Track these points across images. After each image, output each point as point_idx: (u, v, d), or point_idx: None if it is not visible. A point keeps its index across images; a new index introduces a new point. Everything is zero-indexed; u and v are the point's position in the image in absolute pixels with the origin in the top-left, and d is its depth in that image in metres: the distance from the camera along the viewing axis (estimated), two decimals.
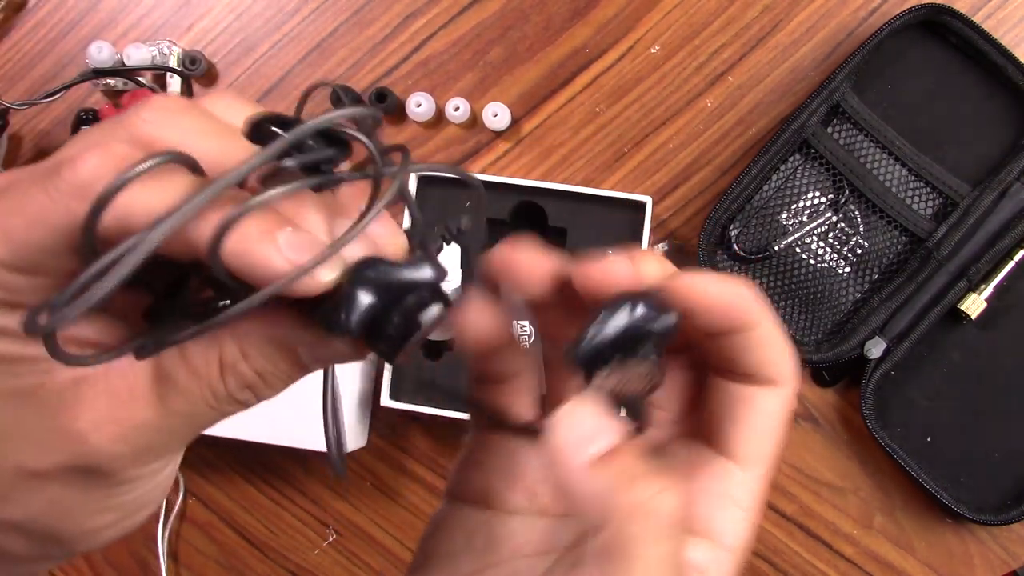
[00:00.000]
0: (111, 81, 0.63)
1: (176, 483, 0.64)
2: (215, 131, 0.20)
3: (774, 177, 0.57)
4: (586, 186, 0.59)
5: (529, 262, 0.22)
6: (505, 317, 0.23)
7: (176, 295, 0.22)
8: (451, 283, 0.22)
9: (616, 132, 0.60)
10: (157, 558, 0.64)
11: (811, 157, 0.57)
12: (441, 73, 0.62)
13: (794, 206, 0.57)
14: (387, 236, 0.22)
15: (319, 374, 0.23)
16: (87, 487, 0.21)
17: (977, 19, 0.55)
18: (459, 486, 0.26)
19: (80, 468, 0.21)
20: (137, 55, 0.61)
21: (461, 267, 0.22)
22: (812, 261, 0.57)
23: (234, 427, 0.57)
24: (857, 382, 0.56)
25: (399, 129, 0.62)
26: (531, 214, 0.58)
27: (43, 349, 0.18)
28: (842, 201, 0.56)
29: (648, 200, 0.56)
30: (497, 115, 0.59)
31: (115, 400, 0.20)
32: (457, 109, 0.59)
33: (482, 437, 0.27)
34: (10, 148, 0.66)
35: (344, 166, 0.21)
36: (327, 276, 0.19)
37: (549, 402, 0.26)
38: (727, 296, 0.22)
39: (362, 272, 0.20)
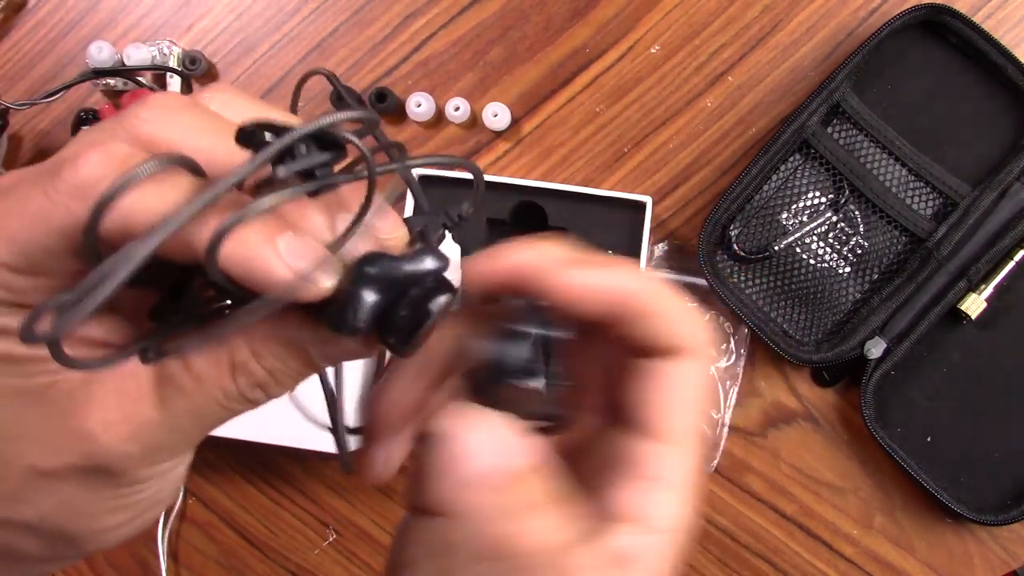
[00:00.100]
0: (111, 81, 0.63)
1: None
2: (214, 129, 0.20)
3: (774, 177, 0.57)
4: (586, 186, 0.59)
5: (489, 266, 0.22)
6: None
7: (180, 294, 0.22)
8: (453, 277, 0.22)
9: (616, 132, 0.60)
10: (157, 558, 0.64)
11: (811, 157, 0.57)
12: (441, 73, 0.62)
13: (794, 206, 0.57)
14: (389, 229, 0.22)
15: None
16: (98, 487, 0.21)
17: (977, 19, 0.55)
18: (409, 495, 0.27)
19: (91, 468, 0.21)
20: (137, 55, 0.61)
21: (461, 265, 0.22)
22: (812, 261, 0.57)
23: (234, 427, 0.57)
24: (857, 382, 0.56)
25: (399, 129, 0.62)
26: (531, 214, 0.58)
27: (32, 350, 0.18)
28: (842, 201, 0.56)
29: (648, 200, 0.56)
30: (497, 115, 0.59)
31: (125, 399, 0.20)
32: (457, 109, 0.59)
33: None
34: (10, 148, 0.66)
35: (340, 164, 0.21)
36: (328, 282, 0.19)
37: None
38: (614, 289, 0.22)
39: (365, 270, 0.20)
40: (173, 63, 0.62)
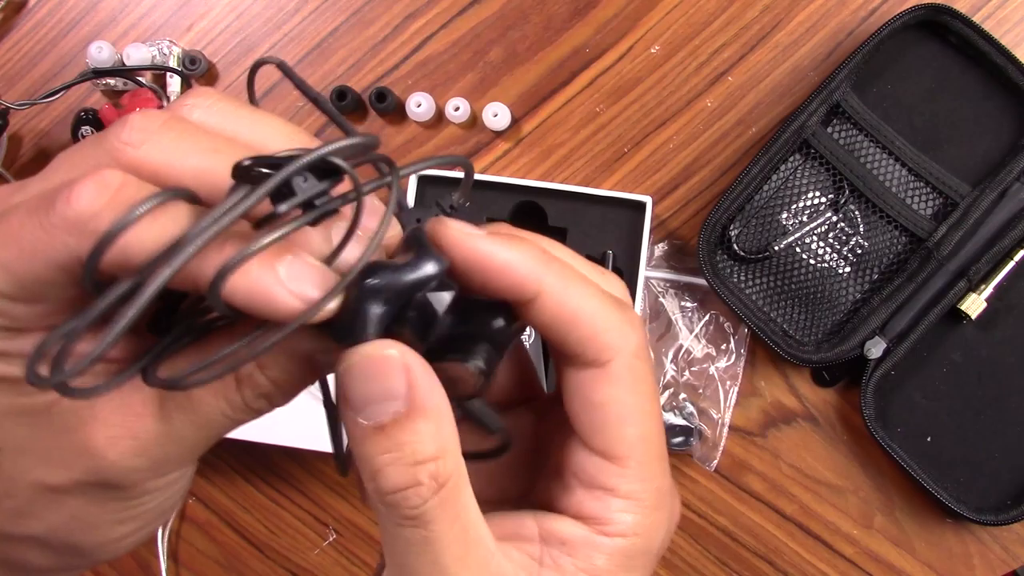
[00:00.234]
0: (111, 81, 0.63)
1: None
2: (199, 146, 0.20)
3: (774, 177, 0.57)
4: (586, 186, 0.59)
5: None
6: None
7: (176, 307, 0.22)
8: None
9: (616, 132, 0.60)
10: (157, 558, 0.64)
11: (811, 157, 0.57)
12: (441, 73, 0.62)
13: (794, 206, 0.57)
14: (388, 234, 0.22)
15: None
16: (105, 500, 0.21)
17: (977, 19, 0.55)
18: None
19: (98, 483, 0.21)
20: (137, 55, 0.61)
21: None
22: (812, 261, 0.57)
23: None
24: (857, 382, 0.56)
25: (399, 129, 0.62)
26: (531, 214, 0.58)
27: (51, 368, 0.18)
28: (842, 201, 0.56)
29: (648, 200, 0.56)
30: (497, 115, 0.59)
31: (129, 415, 0.21)
32: (457, 109, 0.59)
33: None
34: (10, 148, 0.66)
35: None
36: (333, 304, 0.19)
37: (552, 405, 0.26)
38: (518, 272, 0.20)
39: (368, 284, 0.20)
40: (173, 63, 0.62)
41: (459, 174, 0.58)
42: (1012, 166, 0.54)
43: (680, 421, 0.58)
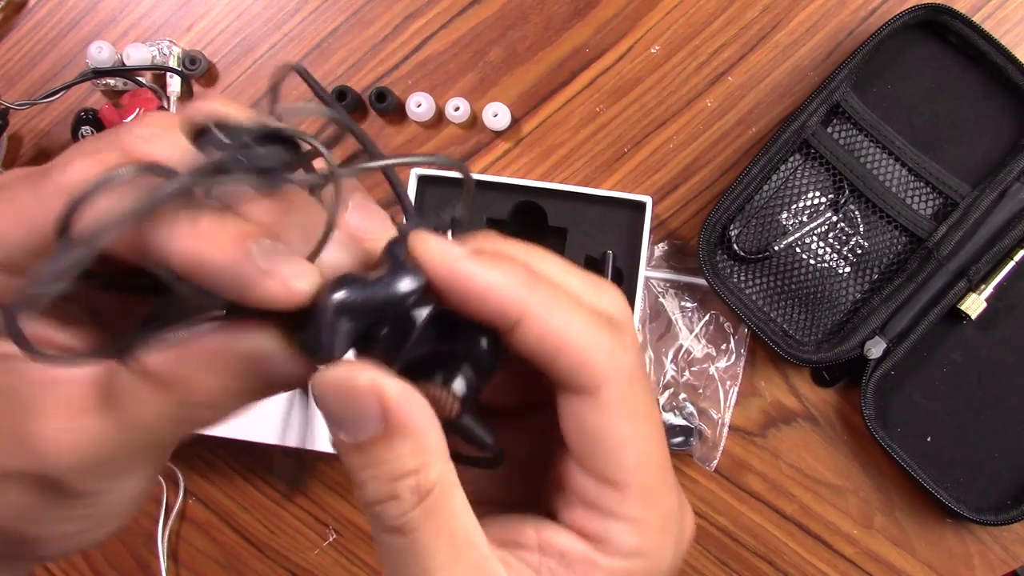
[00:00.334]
0: (111, 81, 0.63)
1: (176, 483, 0.64)
2: None
3: (774, 177, 0.57)
4: (586, 186, 0.59)
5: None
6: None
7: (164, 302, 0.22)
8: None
9: (616, 132, 0.60)
10: (157, 558, 0.64)
11: (811, 157, 0.57)
12: (441, 73, 0.62)
13: (794, 206, 0.57)
14: (375, 231, 0.22)
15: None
16: (44, 494, 0.21)
17: (977, 19, 0.55)
18: None
19: (36, 476, 0.20)
20: (137, 55, 0.61)
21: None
22: (812, 261, 0.57)
23: (234, 427, 0.57)
24: (857, 382, 0.56)
25: (399, 129, 0.62)
26: (531, 214, 0.58)
27: (16, 348, 0.18)
28: (842, 201, 0.56)
29: (648, 200, 0.56)
30: (497, 115, 0.59)
31: (72, 409, 0.20)
32: (457, 109, 0.59)
33: None
34: (10, 148, 0.66)
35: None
36: (300, 283, 0.19)
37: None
38: (501, 296, 0.19)
39: (336, 299, 0.19)
40: (173, 63, 0.62)
41: (458, 175, 0.58)
42: (1012, 166, 0.54)
43: (680, 421, 0.58)
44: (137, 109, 0.61)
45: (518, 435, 0.24)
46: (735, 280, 0.57)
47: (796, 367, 0.59)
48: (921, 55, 0.56)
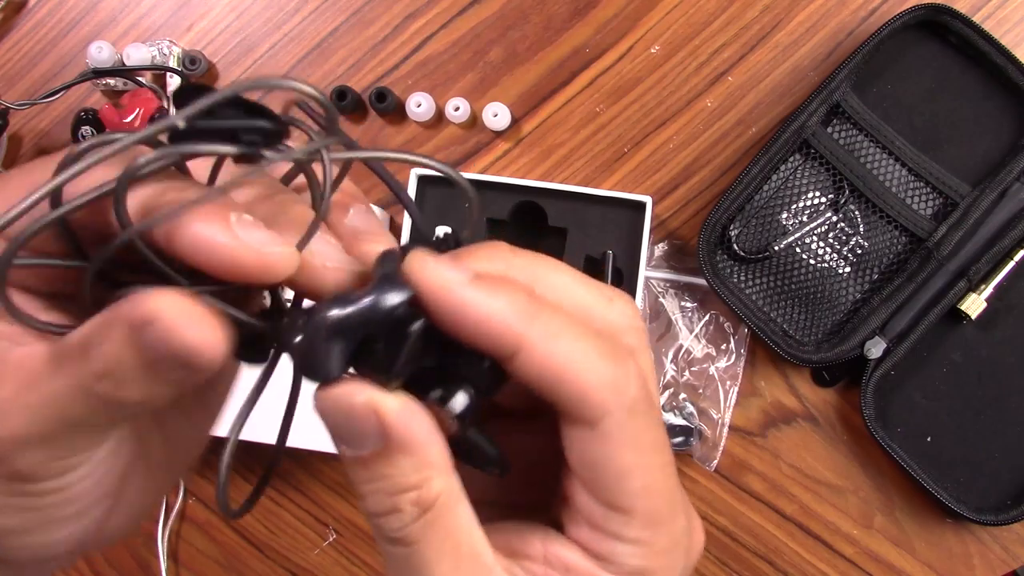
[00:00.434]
0: (111, 81, 0.63)
1: (176, 483, 0.64)
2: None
3: (774, 177, 0.57)
4: (586, 186, 0.59)
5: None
6: None
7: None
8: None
9: (616, 132, 0.60)
10: (157, 558, 0.64)
11: (811, 157, 0.57)
12: (441, 73, 0.62)
13: (794, 206, 0.57)
14: (371, 236, 0.21)
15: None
16: None
17: (977, 19, 0.55)
18: None
19: None
20: (137, 55, 0.61)
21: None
22: (812, 261, 0.57)
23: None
24: (857, 382, 0.56)
25: (399, 129, 0.62)
26: (531, 214, 0.58)
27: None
28: (842, 201, 0.56)
29: (648, 200, 0.56)
30: (497, 115, 0.59)
31: (21, 375, 0.20)
32: (457, 109, 0.59)
33: None
34: (10, 148, 0.66)
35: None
36: (278, 249, 0.18)
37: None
38: (498, 326, 0.19)
39: (320, 318, 0.19)
40: (173, 63, 0.62)
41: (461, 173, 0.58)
42: (1012, 166, 0.54)
43: (680, 421, 0.58)
44: (137, 109, 0.61)
45: (528, 438, 0.24)
46: (735, 280, 0.57)
47: (796, 367, 0.59)
48: (921, 55, 0.56)
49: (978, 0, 0.57)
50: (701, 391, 0.59)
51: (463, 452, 0.21)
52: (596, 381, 0.19)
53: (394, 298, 0.19)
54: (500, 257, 0.21)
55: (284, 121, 0.19)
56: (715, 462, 0.58)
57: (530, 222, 0.58)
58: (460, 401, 0.20)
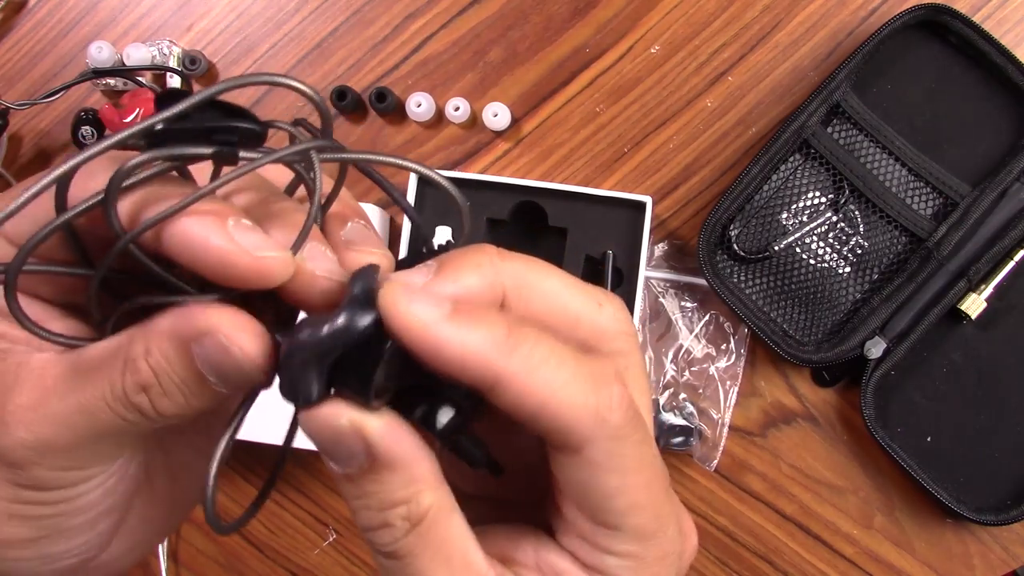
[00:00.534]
0: (111, 81, 0.63)
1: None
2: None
3: (774, 177, 0.57)
4: (586, 186, 0.59)
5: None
6: None
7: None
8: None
9: (616, 132, 0.60)
10: (157, 558, 0.64)
11: (811, 157, 0.57)
12: (441, 73, 0.62)
13: (794, 206, 0.57)
14: (361, 245, 0.21)
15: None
16: (6, 481, 0.20)
17: (977, 19, 0.55)
18: None
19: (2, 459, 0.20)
20: (137, 55, 0.61)
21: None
22: (812, 261, 0.57)
23: None
24: (857, 382, 0.56)
25: (399, 129, 0.62)
26: (531, 214, 0.58)
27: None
28: (842, 201, 0.56)
29: (648, 200, 0.56)
30: (497, 115, 0.59)
31: (38, 387, 0.20)
32: (457, 109, 0.59)
33: None
34: (10, 148, 0.66)
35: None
36: (272, 253, 0.18)
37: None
38: (477, 362, 0.18)
39: (292, 342, 0.19)
40: (173, 63, 0.62)
41: (460, 174, 0.58)
42: (1012, 166, 0.54)
43: (680, 421, 0.58)
44: (137, 109, 0.61)
45: (522, 437, 0.24)
46: (735, 280, 0.57)
47: (796, 367, 0.59)
48: (921, 55, 0.56)
49: (978, 0, 0.57)
50: (701, 391, 0.59)
51: (454, 452, 0.21)
52: (578, 411, 0.19)
53: (364, 319, 0.18)
54: (488, 262, 0.20)
55: (264, 123, 0.19)
56: (715, 462, 0.58)
57: (530, 222, 0.58)
58: (442, 421, 0.20)
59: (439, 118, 0.62)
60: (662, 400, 0.59)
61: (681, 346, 0.59)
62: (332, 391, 0.19)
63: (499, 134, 0.61)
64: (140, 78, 0.62)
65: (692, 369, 0.59)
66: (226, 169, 0.19)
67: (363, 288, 0.19)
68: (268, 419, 0.57)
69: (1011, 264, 0.55)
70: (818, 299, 0.57)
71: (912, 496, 0.57)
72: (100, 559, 0.24)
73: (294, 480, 0.64)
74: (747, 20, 0.59)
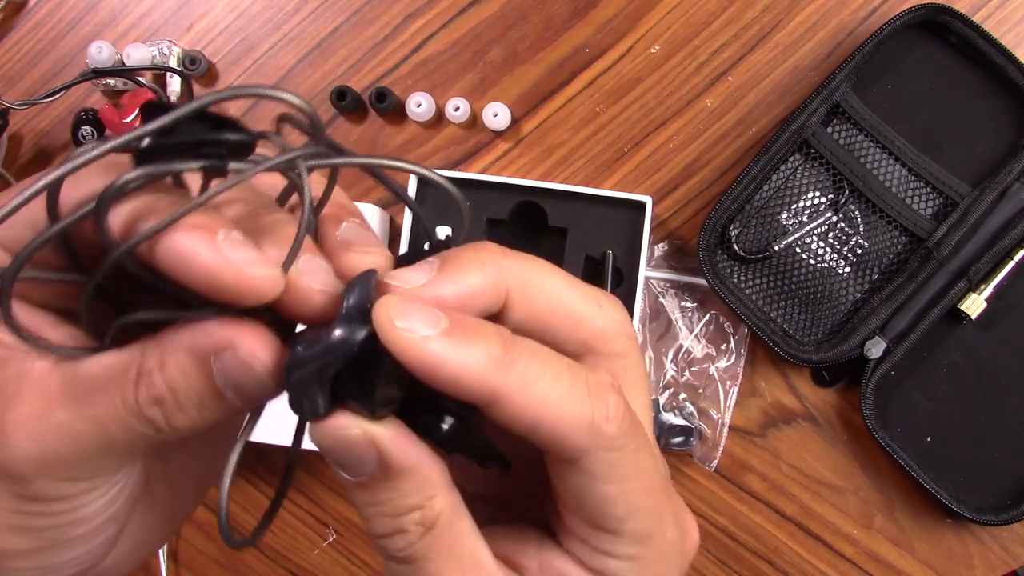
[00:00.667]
0: (111, 81, 0.63)
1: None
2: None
3: (774, 177, 0.57)
4: (586, 186, 0.59)
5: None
6: None
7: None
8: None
9: (616, 132, 0.60)
10: (157, 558, 0.64)
11: (811, 157, 0.57)
12: (441, 73, 0.62)
13: (794, 206, 0.57)
14: (357, 246, 0.21)
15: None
16: (6, 493, 0.20)
17: (977, 19, 0.55)
18: None
19: (2, 470, 0.20)
20: (137, 55, 0.61)
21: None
22: (812, 261, 0.57)
23: None
24: (857, 382, 0.56)
25: (399, 129, 0.62)
26: (531, 214, 0.58)
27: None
28: (842, 201, 0.56)
29: (648, 200, 0.56)
30: (497, 115, 0.59)
31: (41, 398, 0.19)
32: (457, 109, 0.59)
33: None
34: (10, 148, 0.66)
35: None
36: (266, 271, 0.18)
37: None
38: (472, 378, 0.18)
39: (292, 356, 0.18)
40: (173, 63, 0.62)
41: (459, 174, 0.58)
42: (1012, 166, 0.54)
43: (680, 421, 0.58)
44: (137, 109, 0.61)
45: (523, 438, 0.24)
46: (735, 280, 0.57)
47: (796, 367, 0.59)
48: (921, 55, 0.56)
49: (978, 0, 0.57)
50: (701, 391, 0.59)
51: (463, 454, 0.21)
52: (574, 425, 0.19)
53: (359, 334, 0.18)
54: (491, 260, 0.20)
55: (252, 133, 0.19)
56: (715, 462, 0.58)
57: (530, 222, 0.58)
58: (443, 430, 0.20)
59: (439, 118, 0.62)
60: (662, 400, 0.59)
61: (681, 346, 0.59)
62: (338, 402, 0.19)
63: (499, 134, 0.61)
64: (140, 78, 0.62)
65: (692, 369, 0.59)
66: (216, 180, 0.19)
67: (358, 301, 0.19)
68: (268, 419, 0.57)
69: (1011, 264, 0.55)
70: (818, 299, 0.57)
71: (912, 496, 0.57)
72: (101, 567, 0.24)
73: (294, 481, 0.64)
74: (747, 20, 0.59)
